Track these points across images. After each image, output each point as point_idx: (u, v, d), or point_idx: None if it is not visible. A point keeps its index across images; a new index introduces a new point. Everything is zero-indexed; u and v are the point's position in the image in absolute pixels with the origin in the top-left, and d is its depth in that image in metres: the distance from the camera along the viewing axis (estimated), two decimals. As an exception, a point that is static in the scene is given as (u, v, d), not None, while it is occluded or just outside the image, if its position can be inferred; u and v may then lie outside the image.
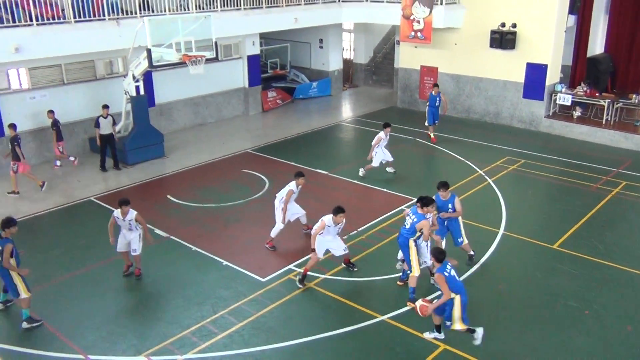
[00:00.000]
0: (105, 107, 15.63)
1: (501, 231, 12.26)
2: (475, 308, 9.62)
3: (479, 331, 8.34)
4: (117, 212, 10.25)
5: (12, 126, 14.11)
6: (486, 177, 15.33)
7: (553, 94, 19.67)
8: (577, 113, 19.39)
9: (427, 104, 18.32)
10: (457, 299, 8.06)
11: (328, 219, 9.82)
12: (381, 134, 14.86)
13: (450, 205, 10.37)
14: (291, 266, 10.84)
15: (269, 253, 11.35)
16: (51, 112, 15.44)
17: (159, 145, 16.97)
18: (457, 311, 8.11)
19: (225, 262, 11.03)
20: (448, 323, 8.23)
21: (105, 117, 15.55)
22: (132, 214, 10.17)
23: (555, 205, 13.84)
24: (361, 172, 15.33)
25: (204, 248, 11.57)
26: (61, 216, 13.18)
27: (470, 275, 10.53)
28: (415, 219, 9.52)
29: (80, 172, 15.85)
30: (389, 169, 15.51)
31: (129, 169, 16.08)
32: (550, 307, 9.62)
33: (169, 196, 14.17)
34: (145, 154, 16.60)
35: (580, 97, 19.29)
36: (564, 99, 19.40)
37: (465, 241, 10.68)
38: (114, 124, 15.92)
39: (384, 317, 9.04)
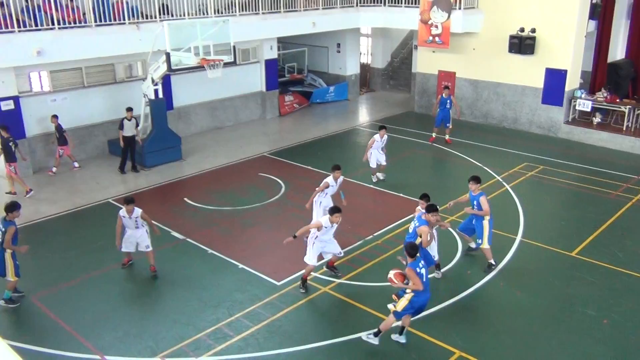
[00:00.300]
0: (130, 109, 15.87)
1: (519, 238, 12.15)
2: (492, 315, 9.56)
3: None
4: (122, 212, 10.39)
5: (4, 127, 14.17)
6: (504, 183, 15.21)
7: (572, 100, 19.47)
8: (597, 119, 19.16)
9: (438, 106, 18.39)
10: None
11: (325, 220, 9.75)
12: (376, 136, 14.91)
13: (475, 202, 10.44)
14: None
15: (284, 257, 11.36)
16: (55, 116, 15.59)
17: (176, 148, 17.12)
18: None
19: (240, 266, 11.08)
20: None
21: (129, 120, 15.76)
22: (138, 211, 10.36)
23: (573, 212, 13.69)
24: (374, 178, 15.31)
25: (220, 251, 11.63)
26: (80, 218, 13.34)
27: (487, 282, 10.45)
28: (417, 224, 9.63)
29: (99, 174, 16.04)
30: (380, 175, 15.40)
31: (146, 171, 16.23)
32: (568, 315, 9.50)
33: (185, 199, 14.27)
34: (163, 156, 16.75)
35: (600, 103, 19.07)
36: (584, 104, 19.19)
37: (486, 246, 10.60)
38: (137, 126, 16.12)
39: (399, 323, 9.00)
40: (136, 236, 10.57)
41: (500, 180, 15.45)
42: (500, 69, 20.36)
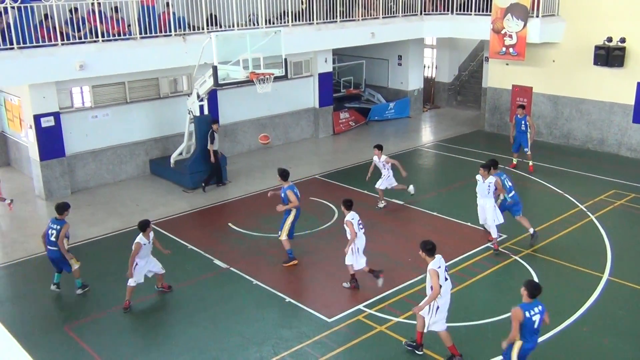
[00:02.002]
0: (216, 122, 16.64)
1: (606, 276, 11.70)
2: (573, 365, 9.19)
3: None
4: (141, 238, 10.61)
5: None
6: (588, 213, 14.73)
7: (670, 119, 18.77)
8: (699, 141, 18.36)
9: (513, 128, 17.97)
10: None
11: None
12: (374, 157, 15.22)
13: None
14: (361, 306, 10.75)
15: (336, 291, 11.32)
16: None
17: (221, 169, 17.45)
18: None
19: (288, 299, 11.10)
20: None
21: (217, 132, 16.58)
22: (152, 235, 10.82)
23: (672, 248, 13.09)
24: (411, 189, 15.55)
25: (265, 282, 11.70)
26: (118, 242, 13.71)
27: (569, 326, 10.07)
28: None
29: (139, 195, 16.52)
30: (380, 203, 15.46)
31: (189, 193, 16.61)
32: (665, 368, 9.02)
33: (230, 224, 14.48)
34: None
35: (703, 123, 18.28)
36: (684, 124, 18.45)
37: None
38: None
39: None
40: (150, 263, 10.93)
41: (584, 209, 14.97)
42: (584, 84, 19.87)
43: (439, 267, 8.72)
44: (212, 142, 16.34)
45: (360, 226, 11.05)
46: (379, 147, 15.10)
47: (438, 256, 8.82)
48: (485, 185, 12.60)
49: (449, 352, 9.11)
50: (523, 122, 17.60)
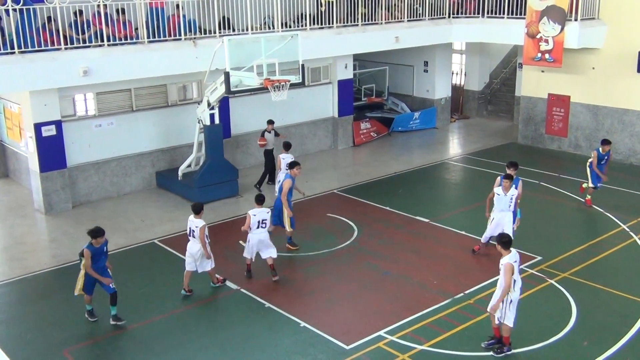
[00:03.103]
0: (271, 122, 17.99)
1: (651, 303, 11.57)
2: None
3: None
4: (199, 221, 11.77)
5: None
6: (631, 234, 14.60)
7: None
8: None
9: (589, 164, 16.16)
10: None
11: (513, 255, 9.69)
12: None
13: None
14: (382, 332, 10.71)
15: (355, 315, 11.30)
16: None
17: (233, 182, 17.56)
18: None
19: (303, 324, 11.09)
20: None
21: (270, 132, 17.91)
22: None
23: None
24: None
25: (279, 305, 11.71)
26: (121, 260, 13.80)
27: (610, 357, 9.95)
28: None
29: (145, 210, 16.66)
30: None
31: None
32: None
33: (241, 242, 14.52)
34: (217, 192, 17.21)
35: None
36: None
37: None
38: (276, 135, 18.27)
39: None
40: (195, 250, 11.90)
41: (626, 229, 14.84)
42: (627, 93, 19.77)
43: (515, 261, 9.42)
44: (266, 141, 17.93)
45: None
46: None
47: (514, 250, 9.52)
48: (507, 199, 12.74)
49: (499, 338, 9.98)
50: (606, 157, 16.10)
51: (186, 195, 17.24)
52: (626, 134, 20.15)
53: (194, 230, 11.79)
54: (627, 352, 10.11)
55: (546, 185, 18.07)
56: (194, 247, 11.85)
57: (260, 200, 12.52)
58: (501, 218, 12.92)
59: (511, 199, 12.74)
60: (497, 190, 12.90)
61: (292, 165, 14.16)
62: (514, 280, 9.43)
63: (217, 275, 12.44)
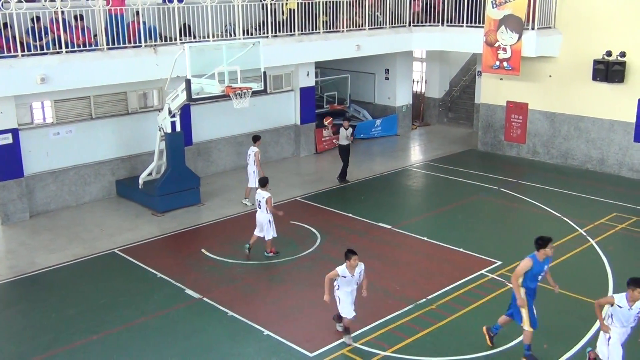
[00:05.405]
0: (347, 119, 19.88)
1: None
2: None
3: None
4: (265, 193, 13.57)
5: None
6: (588, 238, 14.87)
7: (673, 137, 19.08)
8: None
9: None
10: None
11: (342, 269, 10.20)
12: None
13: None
14: (345, 339, 10.71)
15: (319, 322, 11.27)
16: None
17: (194, 190, 17.40)
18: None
19: (266, 332, 11.03)
20: None
21: (347, 129, 18.99)
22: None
23: (677, 275, 13.21)
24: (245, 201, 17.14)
25: (242, 314, 11.62)
26: (80, 270, 13.58)
27: (571, 359, 10.12)
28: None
29: (104, 219, 16.39)
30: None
31: (159, 217, 16.51)
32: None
33: (203, 250, 14.41)
34: (178, 200, 17.04)
35: None
36: (688, 143, 18.76)
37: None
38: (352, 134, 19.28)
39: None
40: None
41: (584, 233, 15.11)
42: (583, 100, 20.16)
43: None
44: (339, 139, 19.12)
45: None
46: None
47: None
48: (634, 312, 8.93)
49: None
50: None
51: (147, 203, 17.03)
52: (582, 141, 20.55)
53: (260, 202, 13.50)
54: (585, 354, 10.27)
55: (505, 191, 18.33)
56: (260, 216, 13.55)
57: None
58: (621, 334, 9.28)
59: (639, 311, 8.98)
60: (619, 298, 9.03)
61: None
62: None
63: (272, 247, 13.90)
